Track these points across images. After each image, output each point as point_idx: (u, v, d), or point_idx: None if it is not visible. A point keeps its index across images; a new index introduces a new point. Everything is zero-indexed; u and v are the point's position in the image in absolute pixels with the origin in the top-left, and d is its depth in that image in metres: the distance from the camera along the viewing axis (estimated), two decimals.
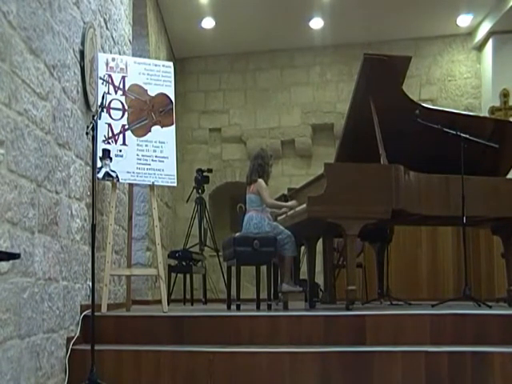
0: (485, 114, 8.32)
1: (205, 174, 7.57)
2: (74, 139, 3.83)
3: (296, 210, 4.82)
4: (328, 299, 5.49)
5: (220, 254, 6.31)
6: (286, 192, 5.80)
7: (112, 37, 5.04)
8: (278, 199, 5.69)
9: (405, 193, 4.42)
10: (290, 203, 5.09)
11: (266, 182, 5.09)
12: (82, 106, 4.05)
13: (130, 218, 4.85)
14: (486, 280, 7.07)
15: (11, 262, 2.72)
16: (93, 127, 3.53)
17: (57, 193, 3.47)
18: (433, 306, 4.53)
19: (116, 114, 4.45)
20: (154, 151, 4.53)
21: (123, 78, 4.54)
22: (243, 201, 5.25)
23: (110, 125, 4.40)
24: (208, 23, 8.30)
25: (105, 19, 4.76)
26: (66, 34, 3.68)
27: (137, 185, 5.36)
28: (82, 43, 4.03)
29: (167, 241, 8.46)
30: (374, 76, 4.69)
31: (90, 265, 3.64)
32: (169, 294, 6.28)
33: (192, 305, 6.53)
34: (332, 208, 4.28)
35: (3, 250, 2.63)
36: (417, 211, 4.55)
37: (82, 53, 4.02)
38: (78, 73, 3.99)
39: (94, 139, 3.67)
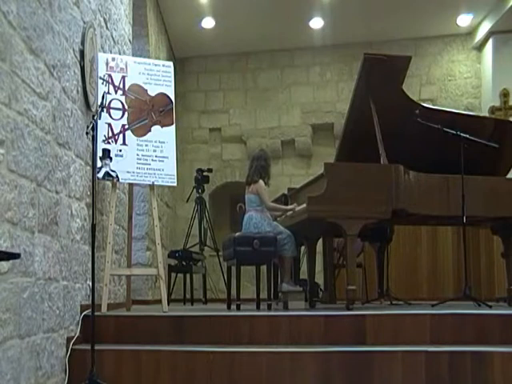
0: (485, 113, 8.31)
1: (205, 173, 7.57)
2: (73, 139, 3.83)
3: (296, 210, 4.82)
4: (328, 299, 5.49)
5: (220, 253, 6.31)
6: (286, 192, 5.80)
7: (112, 37, 5.04)
8: (278, 199, 5.69)
9: (405, 193, 4.43)
10: (289, 206, 5.08)
11: (267, 184, 5.09)
12: (81, 106, 4.05)
13: (130, 218, 4.85)
14: (486, 280, 7.06)
15: (11, 261, 2.72)
16: (93, 127, 3.53)
17: (57, 192, 3.47)
18: (433, 305, 4.53)
19: (116, 114, 4.45)
20: (154, 151, 4.53)
21: (123, 77, 4.54)
22: (243, 200, 5.25)
23: (110, 125, 4.41)
24: (208, 23, 8.30)
25: (105, 19, 4.76)
26: (66, 34, 3.68)
27: (137, 185, 5.36)
28: (82, 43, 4.03)
29: (167, 241, 8.46)
30: (374, 76, 4.69)
31: (89, 265, 3.64)
32: (169, 294, 6.28)
33: (192, 305, 6.53)
34: (332, 208, 4.29)
35: (3, 249, 2.63)
36: (417, 211, 4.55)
37: (81, 53, 4.02)
38: (78, 73, 3.99)
39: (94, 139, 3.66)
